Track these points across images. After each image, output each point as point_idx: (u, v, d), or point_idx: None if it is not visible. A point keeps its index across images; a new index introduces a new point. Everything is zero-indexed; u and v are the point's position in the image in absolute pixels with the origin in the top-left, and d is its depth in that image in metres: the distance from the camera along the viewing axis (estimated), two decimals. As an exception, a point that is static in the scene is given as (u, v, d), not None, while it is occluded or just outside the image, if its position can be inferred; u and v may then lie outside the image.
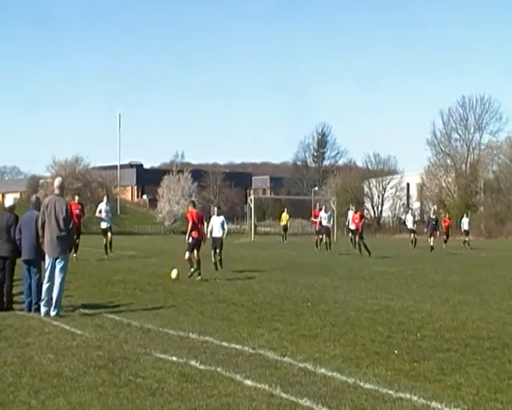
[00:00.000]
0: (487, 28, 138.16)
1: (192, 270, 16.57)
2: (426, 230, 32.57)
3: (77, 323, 9.81)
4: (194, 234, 16.95)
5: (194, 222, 16.96)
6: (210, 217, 20.79)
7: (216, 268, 18.54)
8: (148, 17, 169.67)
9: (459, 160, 71.75)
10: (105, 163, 79.97)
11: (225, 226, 19.44)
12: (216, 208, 21.79)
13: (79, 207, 22.22)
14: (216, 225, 19.06)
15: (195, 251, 16.83)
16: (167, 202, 69.89)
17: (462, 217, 38.47)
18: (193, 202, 19.08)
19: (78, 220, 21.39)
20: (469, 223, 37.56)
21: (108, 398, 5.90)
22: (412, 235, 34.12)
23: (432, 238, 30.99)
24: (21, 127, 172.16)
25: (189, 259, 16.83)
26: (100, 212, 23.87)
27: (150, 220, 70.37)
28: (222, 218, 19.42)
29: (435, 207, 39.42)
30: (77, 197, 23.67)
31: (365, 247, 27.00)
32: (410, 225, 35.20)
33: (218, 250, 18.86)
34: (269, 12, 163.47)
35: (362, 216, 30.04)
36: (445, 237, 34.57)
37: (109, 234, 23.83)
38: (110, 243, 23.74)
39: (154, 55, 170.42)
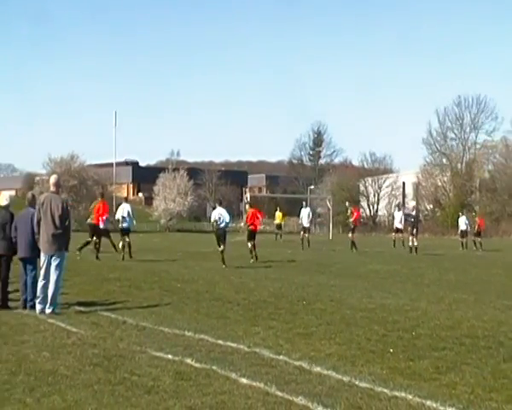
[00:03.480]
0: (484, 28, 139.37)
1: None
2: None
3: (72, 321, 9.80)
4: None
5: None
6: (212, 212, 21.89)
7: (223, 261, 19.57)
8: (145, 16, 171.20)
9: (455, 159, 71.89)
10: (101, 161, 79.66)
11: (223, 220, 20.13)
12: (218, 201, 23.00)
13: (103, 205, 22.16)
14: (215, 217, 20.12)
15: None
16: (163, 199, 69.96)
17: (458, 216, 36.60)
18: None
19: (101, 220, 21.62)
20: (466, 222, 34.87)
21: (104, 396, 5.89)
22: (396, 234, 32.78)
23: (411, 237, 28.49)
24: (16, 124, 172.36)
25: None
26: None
27: (146, 218, 70.25)
28: (223, 211, 20.28)
29: (414, 203, 36.25)
30: (100, 197, 23.37)
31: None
32: (396, 223, 32.99)
33: (224, 243, 19.84)
34: (264, 11, 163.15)
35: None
36: (479, 238, 33.52)
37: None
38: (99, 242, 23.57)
39: (151, 53, 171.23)
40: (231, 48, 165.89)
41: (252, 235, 22.28)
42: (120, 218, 22.58)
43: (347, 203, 34.71)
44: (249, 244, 22.05)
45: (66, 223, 10.61)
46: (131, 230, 23.38)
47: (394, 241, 32.73)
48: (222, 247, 19.70)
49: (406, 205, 43.33)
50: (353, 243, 29.48)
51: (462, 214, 36.15)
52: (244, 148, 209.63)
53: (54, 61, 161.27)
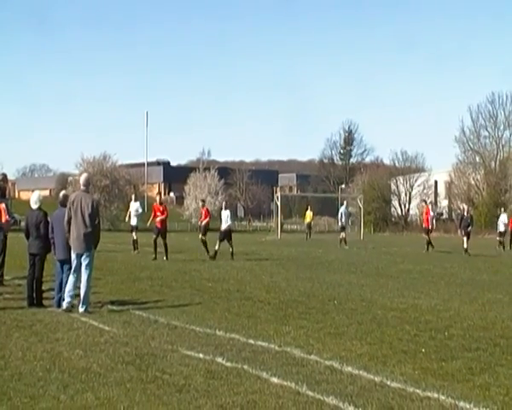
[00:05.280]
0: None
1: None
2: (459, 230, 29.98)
3: (105, 319, 9.88)
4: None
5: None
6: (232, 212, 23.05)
7: (214, 258, 21.52)
8: (173, 16, 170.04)
9: (488, 157, 70.83)
10: (132, 161, 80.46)
11: (229, 220, 22.41)
12: (224, 202, 24.05)
13: (162, 208, 22.07)
14: (223, 218, 22.31)
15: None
16: (194, 199, 70.09)
17: (498, 215, 34.07)
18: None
19: (161, 225, 21.63)
20: (505, 222, 32.83)
21: (136, 394, 5.93)
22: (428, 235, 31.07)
23: (465, 238, 27.95)
24: (50, 125, 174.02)
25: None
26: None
27: (177, 217, 70.58)
28: (228, 212, 22.51)
29: (466, 207, 33.78)
30: (158, 198, 23.33)
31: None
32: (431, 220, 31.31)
33: (229, 241, 22.16)
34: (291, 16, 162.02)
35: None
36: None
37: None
38: (136, 240, 23.88)
39: (182, 52, 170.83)
40: (263, 51, 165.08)
41: (205, 230, 23.45)
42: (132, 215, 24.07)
43: (423, 203, 33.42)
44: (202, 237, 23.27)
45: (96, 222, 10.63)
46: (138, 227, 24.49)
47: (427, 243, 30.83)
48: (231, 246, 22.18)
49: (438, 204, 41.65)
50: (429, 243, 28.88)
51: (503, 212, 34.51)
52: (275, 147, 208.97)
53: (87, 63, 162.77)
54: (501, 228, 32.55)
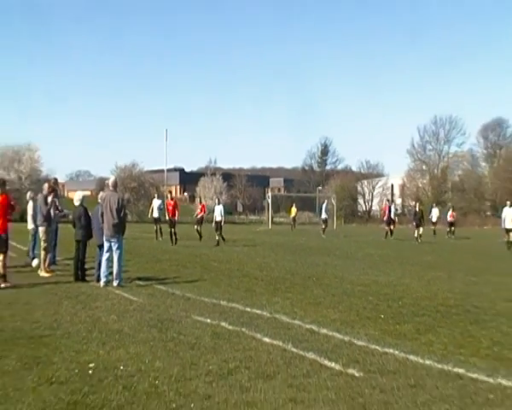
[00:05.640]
0: (455, 56, 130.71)
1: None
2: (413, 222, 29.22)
3: (133, 292, 9.89)
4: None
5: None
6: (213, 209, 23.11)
7: (218, 244, 21.21)
8: (182, 33, 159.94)
9: (432, 166, 72.03)
10: (155, 167, 79.94)
11: (222, 213, 22.04)
12: (217, 199, 23.86)
13: (173, 203, 21.94)
14: (217, 212, 21.96)
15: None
16: (203, 198, 69.80)
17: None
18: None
19: (173, 215, 21.60)
20: (438, 214, 32.31)
21: (157, 350, 5.94)
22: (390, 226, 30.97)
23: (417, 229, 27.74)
24: (91, 139, 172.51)
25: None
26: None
27: (190, 213, 70.32)
28: (221, 207, 22.17)
29: (418, 204, 31.48)
30: (169, 195, 23.16)
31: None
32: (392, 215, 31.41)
33: (218, 231, 21.63)
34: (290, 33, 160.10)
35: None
36: (452, 228, 32.46)
37: (159, 223, 23.97)
38: (160, 229, 23.83)
39: (198, 82, 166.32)
40: (254, 73, 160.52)
41: (201, 221, 23.25)
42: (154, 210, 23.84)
43: (387, 201, 33.00)
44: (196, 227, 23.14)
45: (122, 214, 10.69)
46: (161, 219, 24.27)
47: (387, 232, 30.77)
48: (218, 233, 21.76)
49: (394, 202, 41.32)
50: (387, 233, 29.15)
51: (434, 207, 33.90)
52: (267, 157, 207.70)
53: (123, 90, 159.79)
54: (434, 219, 32.11)
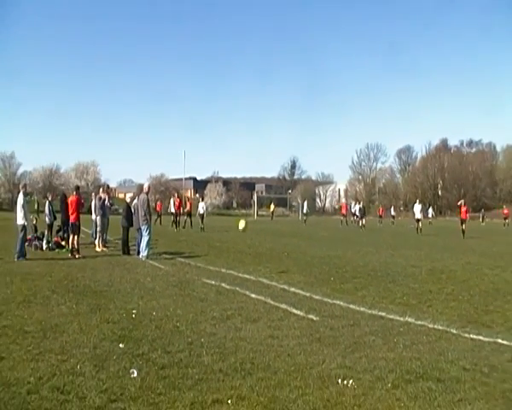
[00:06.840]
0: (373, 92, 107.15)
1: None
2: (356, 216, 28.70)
3: (161, 262, 9.84)
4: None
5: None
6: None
7: (202, 229, 20.26)
8: (183, 49, 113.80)
9: (365, 176, 72.80)
10: (175, 176, 79.23)
11: (204, 208, 21.53)
12: (200, 197, 23.62)
13: (178, 200, 21.92)
14: (200, 207, 21.49)
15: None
16: (209, 198, 69.71)
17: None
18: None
19: (178, 209, 21.29)
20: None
21: (178, 302, 5.94)
22: (355, 218, 29.81)
23: (362, 221, 26.89)
24: (133, 154, 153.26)
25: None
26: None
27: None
28: (203, 203, 21.93)
29: (360, 204, 29.89)
30: (176, 194, 22.82)
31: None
32: (356, 211, 29.30)
33: (202, 221, 20.88)
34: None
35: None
36: (382, 219, 32.35)
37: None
38: (179, 222, 23.29)
39: (212, 106, 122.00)
40: (237, 101, 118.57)
41: (189, 214, 22.15)
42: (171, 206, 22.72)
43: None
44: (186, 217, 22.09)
45: (146, 211, 10.62)
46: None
47: (352, 222, 29.68)
48: (202, 225, 20.57)
49: (351, 204, 38.36)
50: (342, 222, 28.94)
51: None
52: (254, 168, 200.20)
53: (154, 107, 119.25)
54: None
